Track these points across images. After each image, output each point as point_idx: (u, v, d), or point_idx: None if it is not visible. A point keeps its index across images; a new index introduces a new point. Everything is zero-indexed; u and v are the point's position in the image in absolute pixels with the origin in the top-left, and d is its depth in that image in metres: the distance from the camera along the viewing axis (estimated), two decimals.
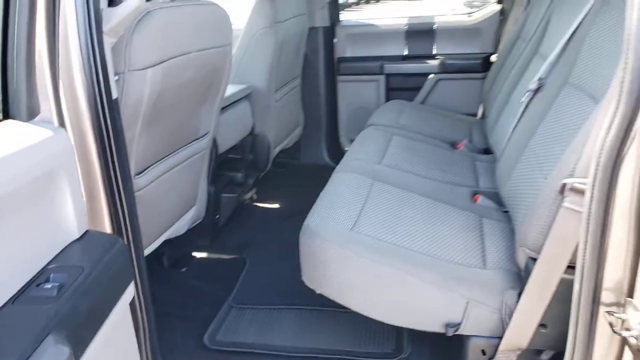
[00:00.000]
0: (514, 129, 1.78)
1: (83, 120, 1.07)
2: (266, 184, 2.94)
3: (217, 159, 2.22)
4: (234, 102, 2.37)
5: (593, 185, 0.93)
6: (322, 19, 3.15)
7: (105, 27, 1.09)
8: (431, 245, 1.45)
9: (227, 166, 2.48)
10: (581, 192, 1.05)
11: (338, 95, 3.37)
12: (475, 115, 3.20)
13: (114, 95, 1.14)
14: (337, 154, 3.41)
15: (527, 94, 1.73)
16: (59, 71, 1.04)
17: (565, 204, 1.11)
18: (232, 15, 1.82)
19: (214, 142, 2.14)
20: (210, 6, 1.68)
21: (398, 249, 1.42)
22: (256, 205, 2.84)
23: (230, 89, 2.36)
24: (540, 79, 1.67)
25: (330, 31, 3.22)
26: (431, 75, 3.16)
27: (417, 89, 3.22)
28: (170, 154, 1.74)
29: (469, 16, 3.14)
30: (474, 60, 3.09)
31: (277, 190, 3.02)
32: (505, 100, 2.22)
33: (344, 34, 3.26)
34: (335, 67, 3.30)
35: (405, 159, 2.09)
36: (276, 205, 2.87)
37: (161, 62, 1.44)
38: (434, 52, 3.16)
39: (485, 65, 3.06)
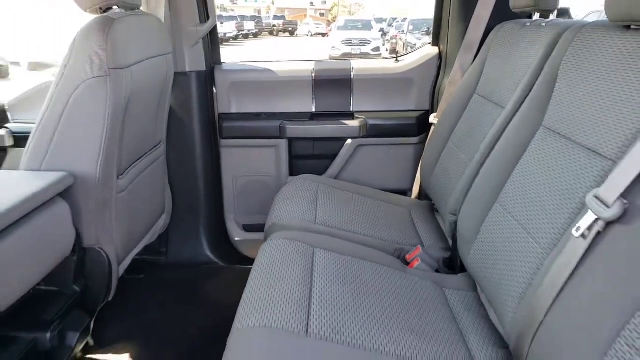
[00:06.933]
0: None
1: None
2: (110, 306, 1.90)
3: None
4: (37, 209, 1.32)
5: None
6: (194, 61, 2.19)
7: None
8: None
9: (22, 320, 1.40)
10: None
11: (222, 165, 2.41)
12: (404, 192, 2.41)
13: None
14: (224, 245, 2.44)
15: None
16: None
17: None
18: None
19: None
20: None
21: None
22: None
23: (30, 182, 1.33)
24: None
25: (207, 78, 2.28)
26: (349, 140, 2.33)
27: (331, 157, 2.38)
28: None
29: (397, 62, 2.36)
30: (405, 121, 2.31)
31: (128, 316, 1.96)
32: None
33: (227, 82, 2.33)
34: (216, 127, 2.35)
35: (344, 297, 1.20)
36: (123, 356, 1.80)
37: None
38: (353, 108, 2.35)
39: (421, 126, 2.30)
